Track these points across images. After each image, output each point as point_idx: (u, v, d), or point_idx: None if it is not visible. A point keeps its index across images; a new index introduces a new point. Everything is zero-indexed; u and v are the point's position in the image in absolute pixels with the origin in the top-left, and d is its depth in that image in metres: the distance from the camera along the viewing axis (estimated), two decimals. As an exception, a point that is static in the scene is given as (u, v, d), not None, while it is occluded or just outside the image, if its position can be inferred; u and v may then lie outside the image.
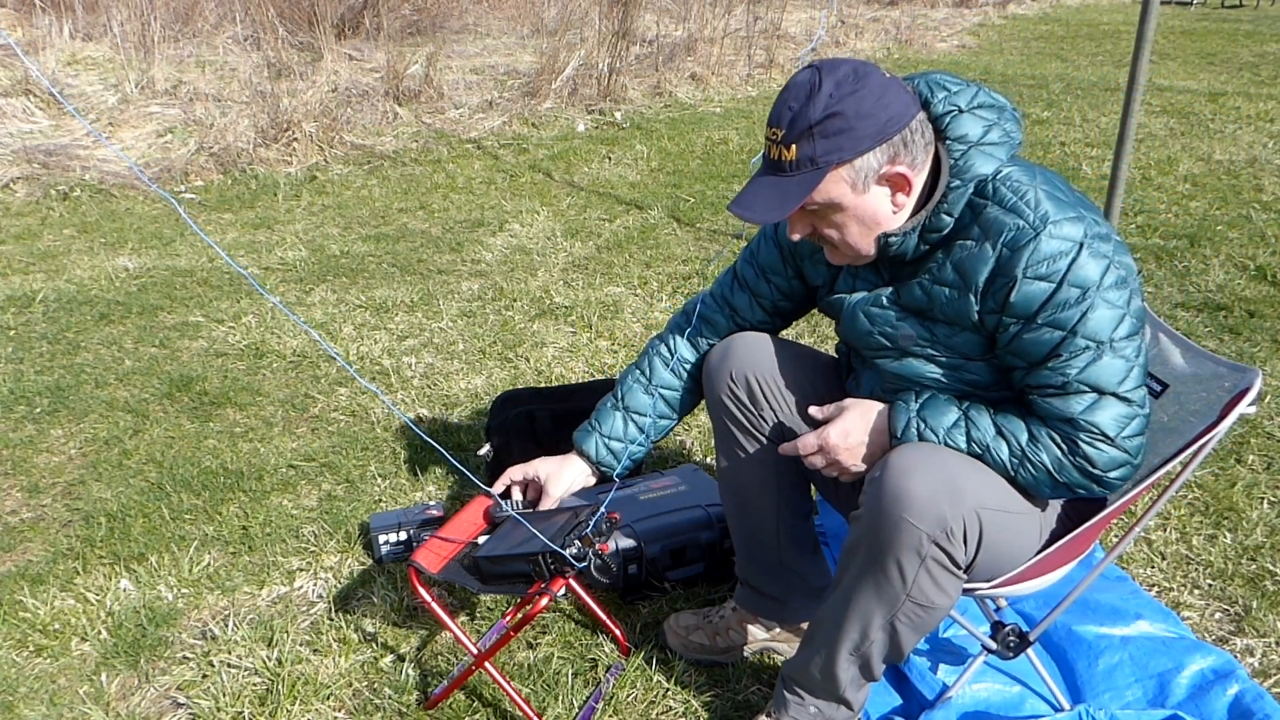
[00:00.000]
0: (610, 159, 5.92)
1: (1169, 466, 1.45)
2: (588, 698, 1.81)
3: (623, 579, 2.03)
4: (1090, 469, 1.36)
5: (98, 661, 1.92)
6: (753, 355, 1.67)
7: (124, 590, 2.12)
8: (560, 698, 1.80)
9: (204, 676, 1.88)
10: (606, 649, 1.93)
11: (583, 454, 1.81)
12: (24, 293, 3.80)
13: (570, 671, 1.86)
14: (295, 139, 5.74)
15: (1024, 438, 1.39)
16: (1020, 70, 9.06)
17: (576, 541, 1.58)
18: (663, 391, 1.79)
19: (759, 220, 1.39)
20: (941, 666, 1.87)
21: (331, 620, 2.01)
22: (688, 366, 1.79)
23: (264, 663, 1.88)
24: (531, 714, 1.69)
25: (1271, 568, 2.15)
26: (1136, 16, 4.36)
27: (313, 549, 2.25)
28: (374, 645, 1.95)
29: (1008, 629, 1.64)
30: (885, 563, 1.38)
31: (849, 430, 1.50)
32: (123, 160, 5.38)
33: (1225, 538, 2.25)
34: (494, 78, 7.67)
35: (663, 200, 5.06)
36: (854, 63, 1.36)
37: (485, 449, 2.43)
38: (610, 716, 1.76)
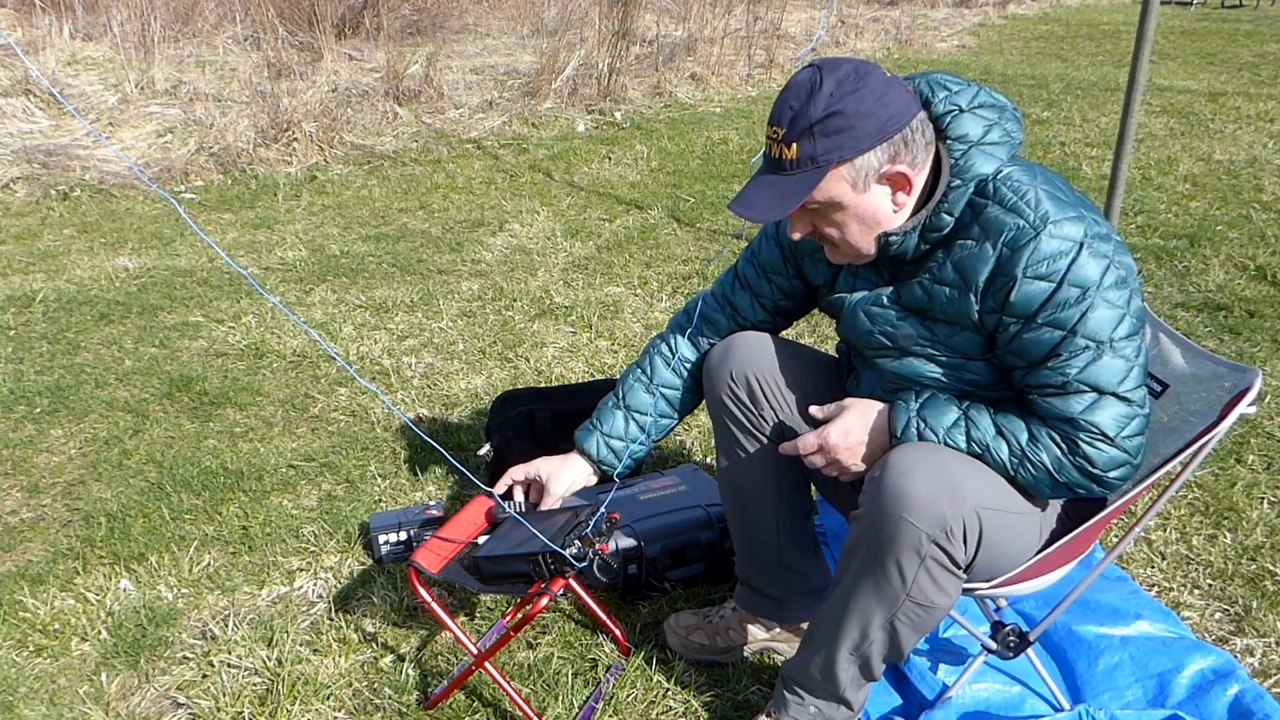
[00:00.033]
0: (610, 159, 5.92)
1: (1169, 466, 1.45)
2: (588, 698, 1.81)
3: (623, 579, 2.03)
4: (1090, 469, 1.36)
5: (98, 661, 1.92)
6: (753, 355, 1.67)
7: (124, 590, 2.12)
8: (560, 698, 1.80)
9: (204, 676, 1.88)
10: (606, 649, 1.93)
11: (584, 453, 1.81)
12: (24, 293, 3.80)
13: (570, 671, 1.86)
14: (295, 139, 5.74)
15: (1024, 437, 1.39)
16: (1020, 70, 9.06)
17: (576, 541, 1.58)
18: (664, 391, 1.79)
19: (760, 219, 1.39)
20: (941, 666, 1.87)
21: (331, 620, 2.01)
22: (689, 366, 1.79)
23: (264, 663, 1.88)
24: (531, 714, 1.69)
25: (1271, 568, 2.15)
26: (1136, 16, 4.36)
27: (313, 549, 2.25)
28: (374, 645, 1.95)
29: (1008, 629, 1.64)
30: (885, 562, 1.38)
31: (849, 430, 1.50)
32: (123, 160, 5.38)
33: (1225, 538, 2.25)
34: (494, 78, 7.67)
35: (663, 200, 5.06)
36: (855, 62, 1.36)
37: (485, 449, 2.43)
38: (610, 716, 1.76)
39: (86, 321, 3.56)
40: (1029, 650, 1.66)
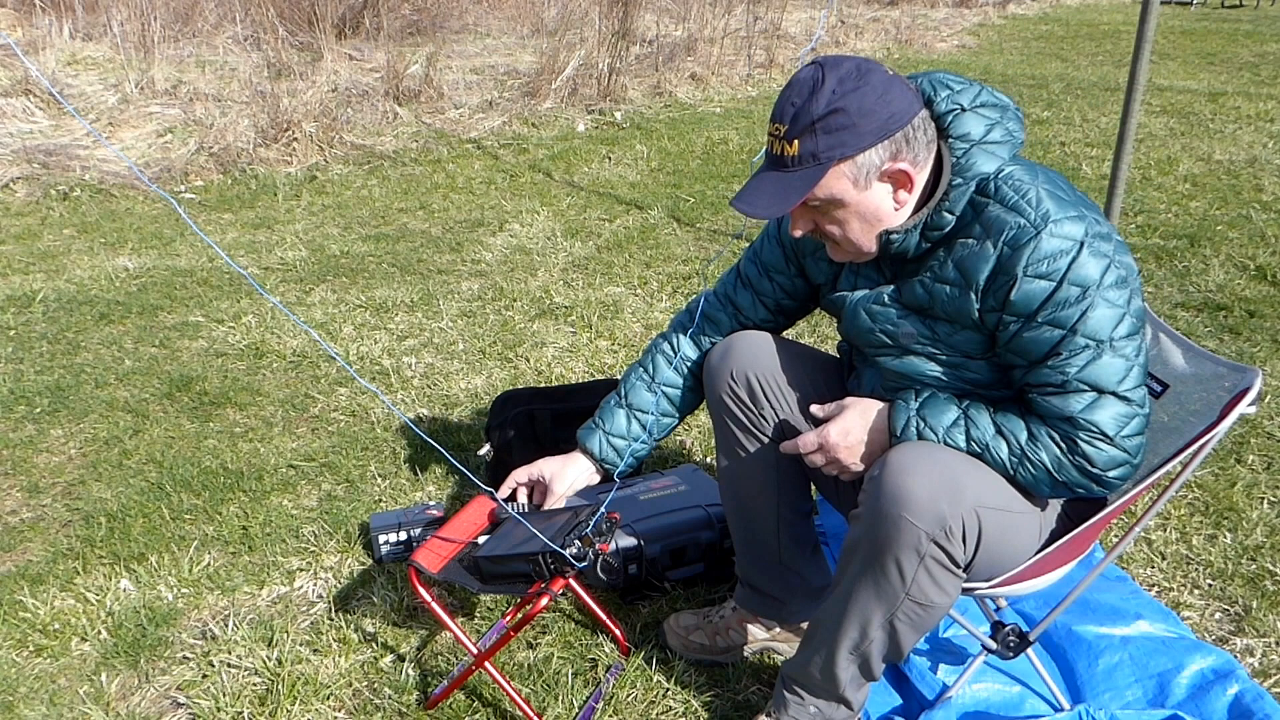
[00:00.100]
0: (610, 159, 5.92)
1: (1169, 466, 1.45)
2: (588, 698, 1.81)
3: (623, 579, 2.03)
4: (1089, 468, 1.36)
5: (98, 661, 1.92)
6: (753, 354, 1.67)
7: (124, 590, 2.12)
8: (560, 698, 1.80)
9: (204, 676, 1.88)
10: (606, 649, 1.93)
11: (586, 451, 1.81)
12: (24, 293, 3.80)
13: (570, 671, 1.86)
14: (295, 139, 5.74)
15: (1023, 436, 1.39)
16: (1020, 70, 9.07)
17: (576, 541, 1.58)
18: (665, 389, 1.79)
19: (761, 215, 1.39)
20: (941, 666, 1.87)
21: (331, 620, 2.01)
22: (691, 364, 1.79)
23: (264, 663, 1.88)
24: (531, 714, 1.69)
25: (1271, 568, 2.15)
26: (1136, 16, 4.36)
27: (313, 549, 2.25)
28: (374, 645, 1.95)
29: (1008, 629, 1.64)
30: (884, 561, 1.38)
31: (849, 429, 1.50)
32: (122, 160, 5.38)
33: (1225, 538, 2.25)
34: (494, 78, 7.67)
35: (663, 200, 5.06)
36: (857, 60, 1.37)
37: (485, 449, 2.43)
38: (610, 716, 1.76)
39: (86, 321, 3.56)
40: (1029, 650, 1.66)
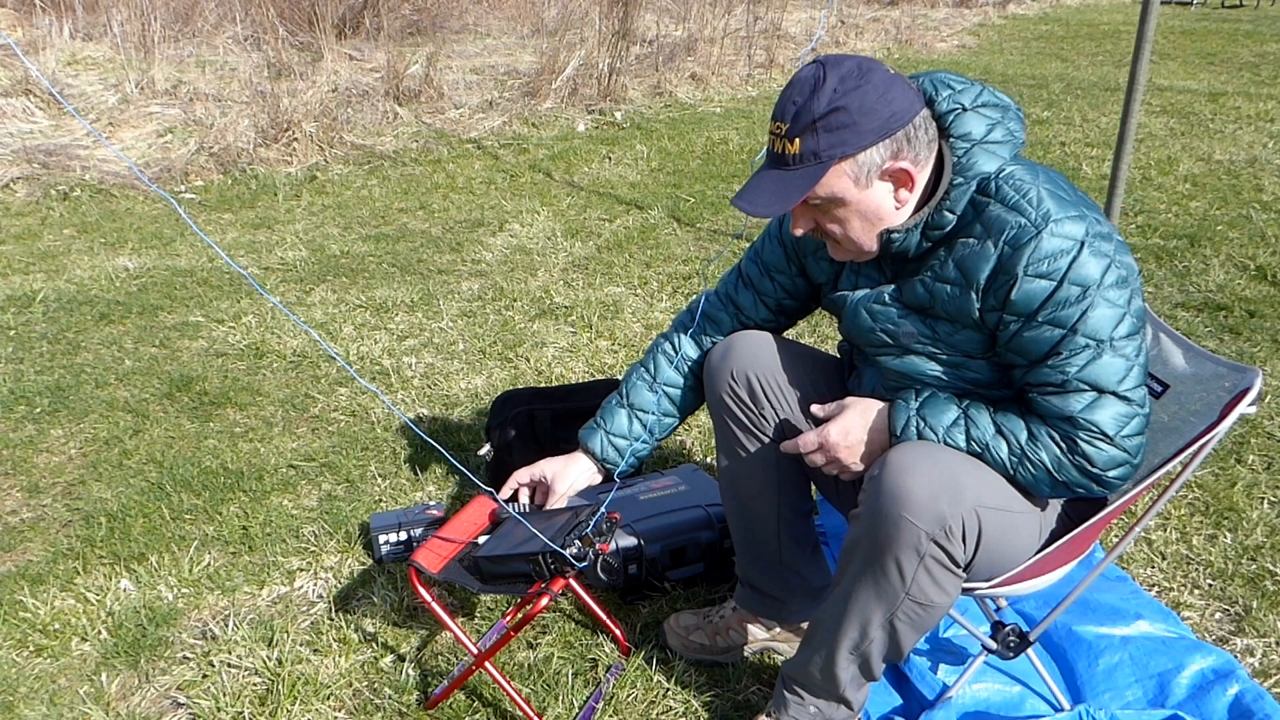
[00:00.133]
0: (610, 159, 5.92)
1: (1169, 466, 1.45)
2: (588, 698, 1.81)
3: (623, 579, 2.03)
4: (1089, 468, 1.36)
5: (98, 661, 1.92)
6: (754, 354, 1.67)
7: (124, 590, 2.12)
8: (560, 698, 1.80)
9: (204, 676, 1.88)
10: (606, 649, 1.93)
11: (588, 451, 1.81)
12: (24, 293, 3.80)
13: (570, 671, 1.86)
14: (295, 139, 5.74)
15: (1023, 436, 1.39)
16: (1020, 70, 9.07)
17: (577, 541, 1.58)
18: (666, 389, 1.79)
19: (762, 213, 1.39)
20: (941, 666, 1.87)
21: (331, 620, 2.01)
22: (692, 364, 1.80)
23: (264, 663, 1.88)
24: (531, 714, 1.69)
25: (1271, 568, 2.15)
26: (1136, 16, 4.36)
27: (313, 549, 2.25)
28: (374, 645, 1.95)
29: (1008, 629, 1.64)
30: (884, 561, 1.38)
31: (849, 428, 1.50)
32: (122, 160, 5.38)
33: (1225, 538, 2.25)
34: (494, 78, 7.67)
35: (663, 200, 5.06)
36: (858, 59, 1.37)
37: (485, 449, 2.43)
38: (610, 716, 1.76)
39: (86, 321, 3.56)
40: (1029, 650, 1.66)
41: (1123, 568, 2.16)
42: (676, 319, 1.87)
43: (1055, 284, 1.32)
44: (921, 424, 1.43)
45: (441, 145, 6.19)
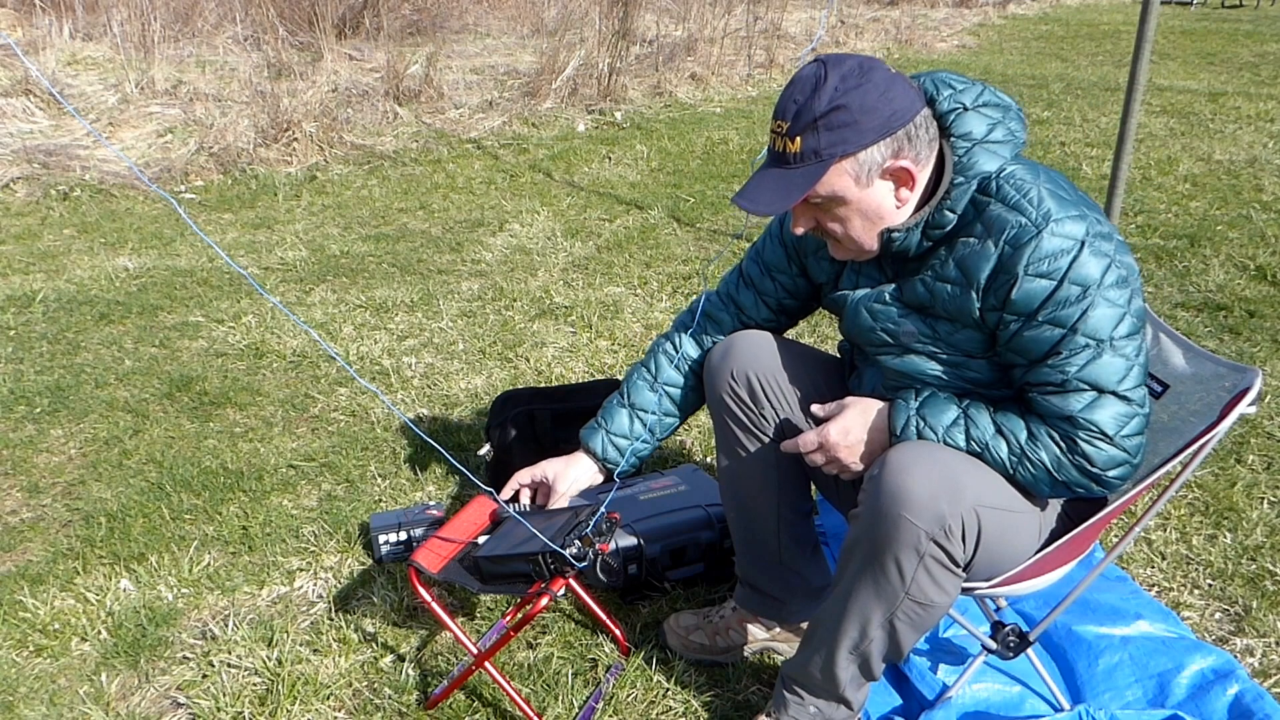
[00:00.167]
0: (610, 159, 5.92)
1: (1169, 466, 1.45)
2: (588, 698, 1.81)
3: (623, 579, 2.03)
4: (1089, 468, 1.36)
5: (98, 661, 1.92)
6: (754, 353, 1.67)
7: (124, 590, 2.12)
8: (560, 698, 1.80)
9: (204, 676, 1.88)
10: (606, 649, 1.93)
11: (589, 451, 1.81)
12: (24, 293, 3.80)
13: (570, 671, 1.86)
14: (295, 139, 5.74)
15: (1023, 436, 1.39)
16: (1020, 70, 9.07)
17: (576, 541, 1.58)
18: (667, 389, 1.79)
19: (762, 212, 1.39)
20: (941, 666, 1.87)
21: (331, 620, 2.01)
22: (692, 364, 1.80)
23: (264, 663, 1.88)
24: (531, 714, 1.69)
25: (1271, 568, 2.15)
26: (1136, 16, 4.36)
27: (313, 549, 2.25)
28: (374, 645, 1.95)
29: (1008, 629, 1.64)
30: (884, 560, 1.38)
31: (849, 428, 1.50)
32: (122, 160, 5.38)
33: (1225, 538, 2.25)
34: (494, 78, 7.67)
35: (663, 200, 5.06)
36: (859, 58, 1.37)
37: (485, 449, 2.43)
38: (610, 716, 1.76)
39: (86, 321, 3.56)
40: (1029, 650, 1.66)
41: (1123, 568, 2.16)
42: (677, 319, 1.87)
43: (1055, 283, 1.32)
44: (921, 423, 1.43)
45: (441, 145, 6.19)
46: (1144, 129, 6.42)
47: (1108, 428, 1.34)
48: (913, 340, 1.50)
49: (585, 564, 1.57)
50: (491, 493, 1.81)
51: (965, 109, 1.40)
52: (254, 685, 1.84)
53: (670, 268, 4.07)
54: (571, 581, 1.73)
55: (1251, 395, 1.39)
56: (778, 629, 1.89)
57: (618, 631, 1.93)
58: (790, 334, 1.82)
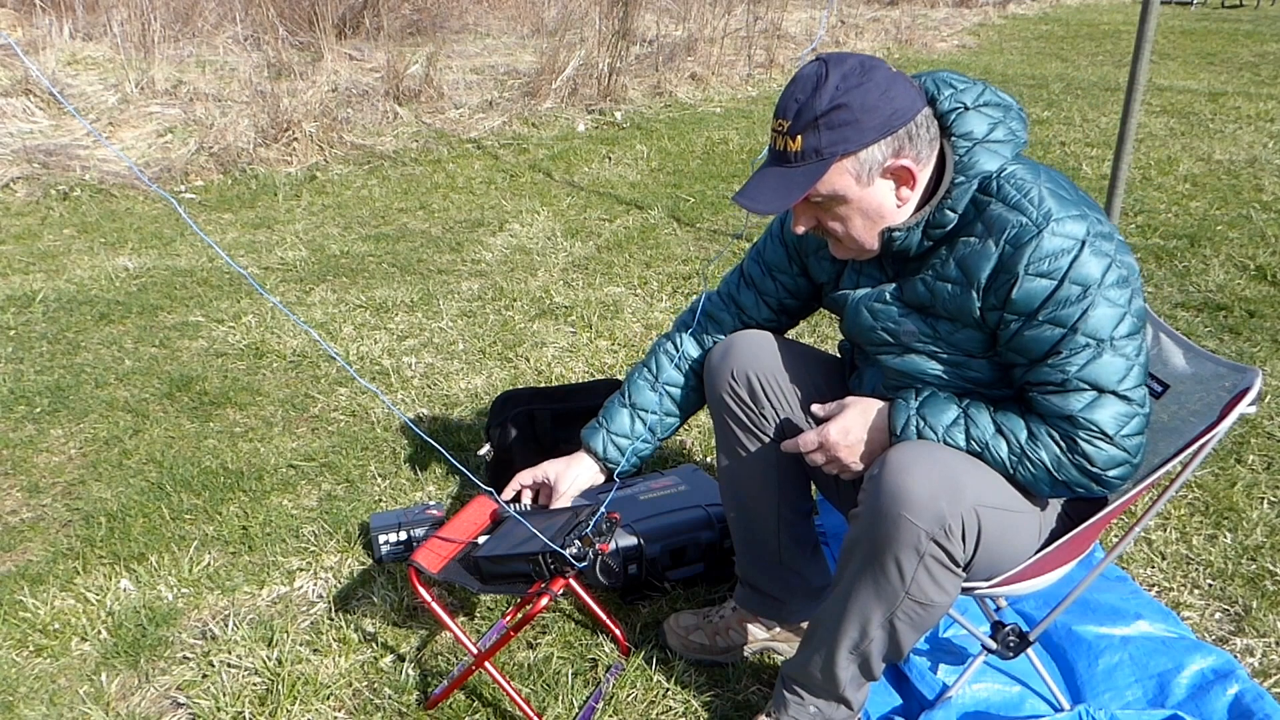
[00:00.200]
0: (610, 159, 5.92)
1: (1169, 466, 1.45)
2: (588, 698, 1.81)
3: (623, 579, 2.03)
4: (1089, 467, 1.36)
5: (98, 661, 1.92)
6: (754, 353, 1.67)
7: (124, 590, 2.12)
8: (560, 698, 1.80)
9: (204, 676, 1.88)
10: (606, 649, 1.93)
11: (590, 451, 1.81)
12: (24, 293, 3.80)
13: (570, 671, 1.86)
14: (295, 139, 5.74)
15: (1023, 436, 1.39)
16: (1020, 70, 9.07)
17: (576, 541, 1.58)
18: (668, 389, 1.79)
19: (763, 210, 1.39)
20: (941, 666, 1.87)
21: (331, 620, 2.01)
22: (693, 364, 1.80)
23: (264, 663, 1.88)
24: (531, 714, 1.69)
25: (1271, 568, 2.15)
26: (1136, 16, 4.36)
27: (313, 549, 2.25)
28: (374, 645, 1.95)
29: (1008, 629, 1.64)
30: (884, 560, 1.38)
31: (849, 428, 1.50)
32: (122, 160, 5.38)
33: (1225, 538, 2.25)
34: (494, 78, 7.67)
35: (663, 200, 5.06)
36: (860, 57, 1.37)
37: (485, 449, 2.43)
38: (610, 716, 1.76)
39: (86, 321, 3.56)
40: (1029, 650, 1.66)
41: (1123, 568, 2.16)
42: (678, 318, 1.87)
43: (1056, 283, 1.32)
44: (921, 423, 1.43)
45: (441, 145, 6.19)
46: (1144, 129, 6.42)
47: (1108, 427, 1.34)
48: (913, 340, 1.50)
49: (585, 564, 1.57)
50: (491, 492, 1.81)
51: (966, 108, 1.40)
52: (254, 685, 1.84)
53: (670, 268, 4.07)
54: (571, 581, 1.73)
55: (1251, 395, 1.39)
56: (778, 629, 1.89)
57: (618, 631, 1.93)
58: (790, 334, 1.82)
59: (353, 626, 1.99)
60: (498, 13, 10.38)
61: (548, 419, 2.38)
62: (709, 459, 2.61)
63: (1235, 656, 1.87)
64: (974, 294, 1.40)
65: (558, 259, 4.21)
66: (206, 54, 7.50)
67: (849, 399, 1.54)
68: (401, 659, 1.91)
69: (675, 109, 7.35)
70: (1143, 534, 2.26)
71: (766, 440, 1.69)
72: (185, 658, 1.93)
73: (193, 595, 2.11)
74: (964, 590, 1.48)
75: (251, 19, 7.83)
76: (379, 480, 2.53)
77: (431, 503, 2.33)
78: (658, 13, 9.07)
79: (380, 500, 2.45)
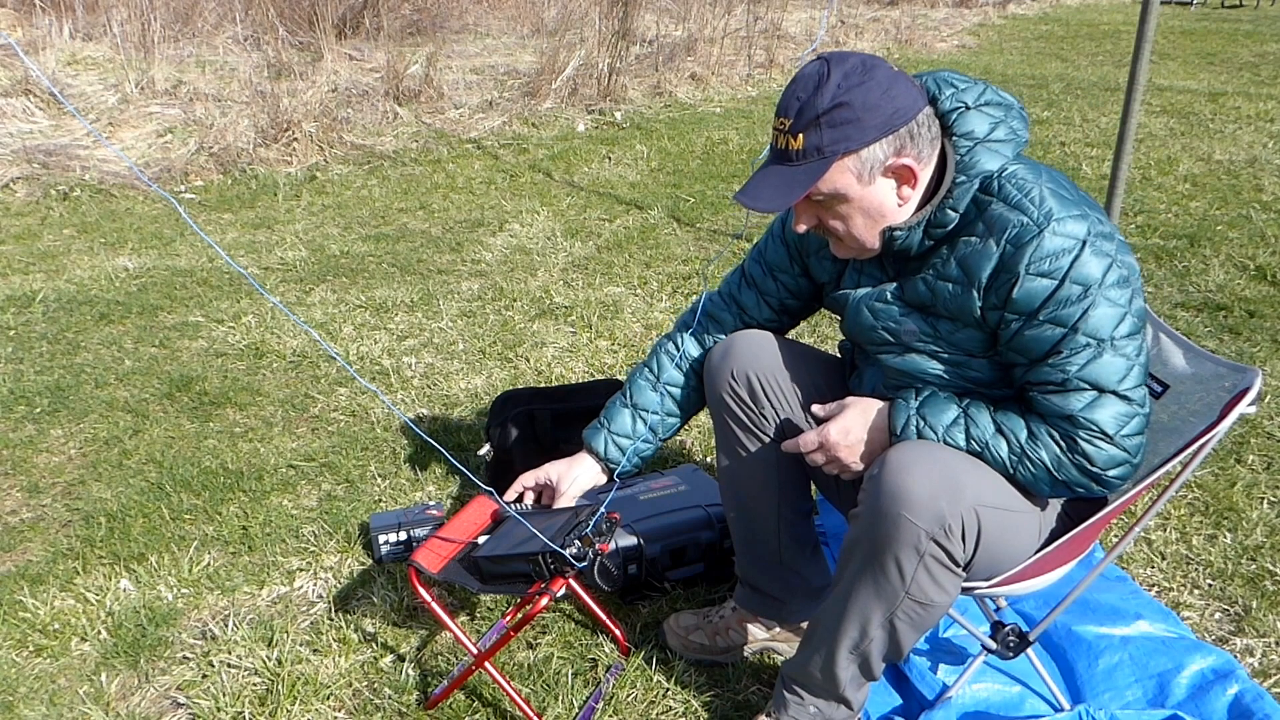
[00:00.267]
0: (610, 159, 5.92)
1: (1169, 466, 1.45)
2: (588, 698, 1.81)
3: (623, 579, 2.03)
4: (1089, 467, 1.36)
5: (98, 661, 1.92)
6: (754, 353, 1.67)
7: (124, 590, 2.12)
8: (560, 698, 1.80)
9: (204, 676, 1.88)
10: (606, 649, 1.93)
11: (592, 451, 1.81)
12: (24, 293, 3.80)
13: (570, 671, 1.86)
14: (295, 139, 5.74)
15: (1023, 435, 1.39)
16: (1020, 70, 9.07)
17: (576, 541, 1.58)
18: (669, 389, 1.80)
19: (764, 208, 1.39)
20: (941, 666, 1.87)
21: (331, 620, 2.01)
22: (694, 363, 1.80)
23: (264, 663, 1.88)
24: (531, 714, 1.69)
25: (1271, 568, 2.15)
26: (1136, 16, 4.36)
27: (313, 549, 2.25)
28: (374, 645, 1.95)
29: (1008, 629, 1.64)
30: (884, 560, 1.38)
31: (849, 428, 1.50)
32: (123, 160, 5.38)
33: (1225, 538, 2.25)
34: (494, 78, 7.67)
35: (663, 200, 5.06)
36: (862, 56, 1.37)
37: (485, 449, 2.43)
38: (610, 716, 1.76)
39: (86, 321, 3.56)
40: (1029, 650, 1.66)
41: (1123, 568, 2.16)
42: (679, 319, 1.87)
43: (1057, 283, 1.33)
44: (921, 423, 1.43)
45: (441, 145, 6.19)
46: (1144, 129, 6.42)
47: (1108, 427, 1.34)
48: (914, 339, 1.50)
49: (585, 564, 1.57)
50: (491, 492, 1.81)
51: (967, 108, 1.40)
52: (254, 685, 1.84)
53: (670, 268, 4.07)
54: (571, 581, 1.73)
55: (1251, 395, 1.39)
56: (778, 629, 1.89)
57: (618, 631, 1.93)
58: (790, 334, 1.82)
59: (353, 626, 1.99)
60: (498, 13, 10.38)
61: (548, 419, 2.38)
62: (709, 459, 2.61)
63: (1235, 656, 1.87)
64: (975, 293, 1.40)
65: (558, 259, 4.21)
66: (206, 54, 7.50)
67: (849, 399, 1.54)
68: (401, 659, 1.91)
69: (675, 109, 7.35)
70: (1143, 534, 2.26)
71: (766, 440, 1.69)
72: (185, 658, 1.93)
73: (193, 595, 2.11)
74: (964, 590, 1.48)
75: (251, 19, 7.83)
76: (379, 480, 2.53)
77: (431, 503, 2.33)
78: (658, 13, 9.07)
79: (380, 500, 2.45)
